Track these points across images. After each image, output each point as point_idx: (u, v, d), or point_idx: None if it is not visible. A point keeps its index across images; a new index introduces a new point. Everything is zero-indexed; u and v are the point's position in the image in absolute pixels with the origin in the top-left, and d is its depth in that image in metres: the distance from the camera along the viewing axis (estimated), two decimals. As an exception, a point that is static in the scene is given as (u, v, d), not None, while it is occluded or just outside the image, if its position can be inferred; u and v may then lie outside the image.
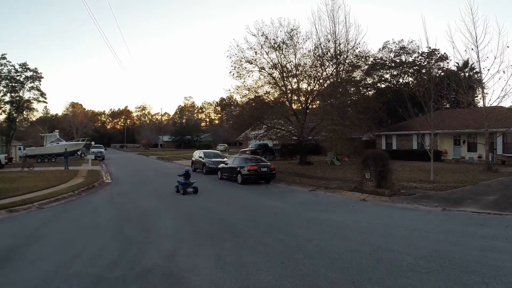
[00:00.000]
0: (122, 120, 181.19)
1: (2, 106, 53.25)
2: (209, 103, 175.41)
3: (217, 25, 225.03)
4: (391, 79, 58.94)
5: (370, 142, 48.86)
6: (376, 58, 52.70)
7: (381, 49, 56.88)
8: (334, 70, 36.91)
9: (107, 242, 11.11)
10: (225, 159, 34.39)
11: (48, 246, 10.74)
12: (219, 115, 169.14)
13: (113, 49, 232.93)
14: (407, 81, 58.90)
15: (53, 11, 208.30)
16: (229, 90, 38.34)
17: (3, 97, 52.85)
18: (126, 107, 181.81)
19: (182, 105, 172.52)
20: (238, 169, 26.39)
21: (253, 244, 10.52)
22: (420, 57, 56.42)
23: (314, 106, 39.90)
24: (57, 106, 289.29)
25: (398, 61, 56.93)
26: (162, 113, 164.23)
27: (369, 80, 54.81)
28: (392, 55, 57.43)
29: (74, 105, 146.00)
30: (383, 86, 58.05)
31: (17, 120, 56.69)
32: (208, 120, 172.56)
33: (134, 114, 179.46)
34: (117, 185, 27.40)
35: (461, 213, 14.90)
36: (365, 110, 35.86)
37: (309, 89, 37.19)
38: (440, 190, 20.25)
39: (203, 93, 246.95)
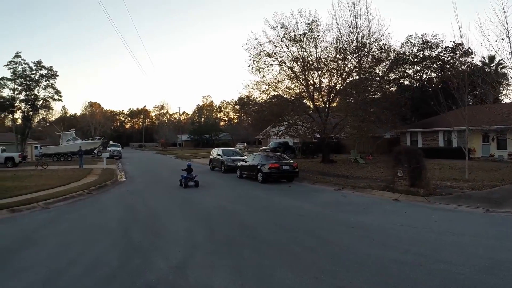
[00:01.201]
0: (140, 119, 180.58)
1: (17, 104, 52.42)
2: (228, 102, 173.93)
3: (235, 23, 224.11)
4: (415, 75, 57.20)
5: (394, 140, 47.14)
6: (399, 53, 50.95)
7: (404, 43, 55.09)
8: (357, 64, 35.16)
9: (109, 247, 9.71)
10: (244, 157, 33.03)
11: (43, 252, 9.40)
12: (237, 114, 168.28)
13: (132, 52, 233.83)
14: (430, 76, 57.17)
15: (69, 13, 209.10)
16: (248, 85, 36.42)
17: (18, 96, 52.03)
18: (145, 106, 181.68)
19: (201, 104, 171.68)
20: (259, 167, 24.91)
21: (278, 252, 9.00)
22: (443, 51, 54.65)
23: (337, 102, 38.14)
24: (75, 106, 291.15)
25: (421, 56, 55.21)
26: (181, 113, 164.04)
27: (392, 76, 53.09)
28: (415, 50, 55.71)
29: (92, 104, 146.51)
30: (406, 82, 56.44)
31: (33, 119, 55.77)
32: (226, 119, 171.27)
33: (153, 114, 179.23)
34: (130, 183, 26.15)
35: (508, 214, 13.28)
36: (390, 105, 34.14)
37: (331, 83, 35.55)
38: (477, 189, 18.58)
39: (222, 92, 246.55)
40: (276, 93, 36.65)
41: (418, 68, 56.33)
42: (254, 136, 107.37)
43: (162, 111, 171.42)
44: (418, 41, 55.40)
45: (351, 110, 32.53)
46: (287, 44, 34.29)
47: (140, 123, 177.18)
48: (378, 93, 37.38)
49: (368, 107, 33.37)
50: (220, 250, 9.27)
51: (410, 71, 56.74)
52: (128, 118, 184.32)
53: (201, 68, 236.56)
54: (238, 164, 29.01)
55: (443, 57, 54.23)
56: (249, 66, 34.86)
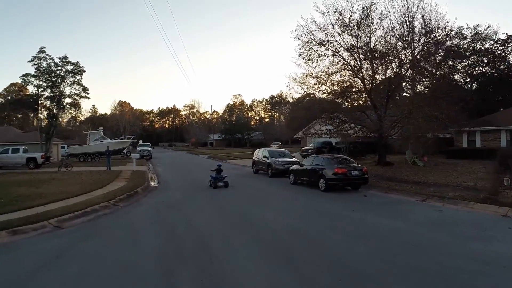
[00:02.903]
0: (170, 119, 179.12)
1: (42, 102, 49.32)
2: (259, 100, 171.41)
3: (265, 22, 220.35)
4: (468, 69, 52.66)
5: (445, 139, 42.87)
6: (451, 45, 46.40)
7: (454, 35, 50.50)
8: (422, 51, 30.55)
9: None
10: (293, 159, 29.19)
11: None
12: (269, 113, 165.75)
13: (179, 61, 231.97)
14: (480, 71, 52.70)
15: (98, 12, 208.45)
16: (295, 79, 31.87)
17: (42, 93, 48.89)
18: (174, 105, 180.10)
19: (231, 103, 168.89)
20: (321, 172, 20.56)
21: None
22: (495, 44, 50.24)
23: (396, 96, 33.58)
24: (105, 106, 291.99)
25: (471, 49, 50.73)
26: (211, 112, 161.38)
27: (441, 71, 48.86)
28: (466, 42, 51.25)
29: (122, 103, 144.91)
30: (455, 77, 52.06)
31: (58, 117, 52.54)
32: (258, 118, 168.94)
33: (183, 113, 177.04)
34: (164, 190, 22.15)
35: None
36: (456, 101, 29.48)
37: (390, 75, 31.03)
38: None
39: (253, 91, 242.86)
40: (326, 88, 32.28)
41: (469, 62, 52.04)
42: (288, 135, 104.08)
43: (192, 110, 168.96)
44: (470, 32, 51.01)
45: (416, 106, 28.03)
46: (340, 32, 30.04)
47: (170, 123, 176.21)
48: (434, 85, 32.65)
49: (436, 102, 28.89)
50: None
51: (459, 66, 52.35)
52: (158, 117, 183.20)
53: (231, 67, 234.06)
54: (291, 168, 24.80)
55: (493, 50, 50.11)
56: (300, 55, 30.61)
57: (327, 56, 30.67)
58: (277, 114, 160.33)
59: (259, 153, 31.70)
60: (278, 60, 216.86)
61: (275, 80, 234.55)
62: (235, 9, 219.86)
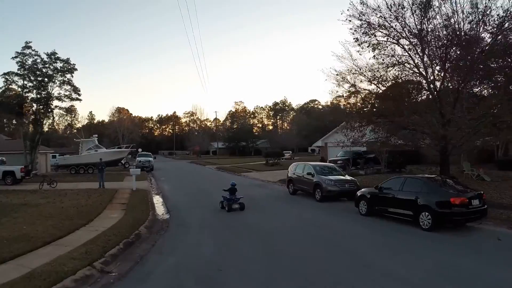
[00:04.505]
0: (170, 126, 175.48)
1: (27, 105, 42.56)
2: (262, 107, 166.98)
3: (264, 28, 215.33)
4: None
5: (486, 148, 35.86)
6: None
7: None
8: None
9: None
10: (347, 177, 22.78)
11: None
12: (272, 120, 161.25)
13: (200, 66, 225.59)
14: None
15: (98, 19, 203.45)
16: (337, 74, 24.96)
17: (27, 94, 42.22)
18: (174, 112, 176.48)
19: (233, 110, 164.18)
20: (421, 201, 13.90)
21: None
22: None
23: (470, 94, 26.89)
24: (103, 113, 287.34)
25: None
26: (213, 119, 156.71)
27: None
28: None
29: (120, 110, 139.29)
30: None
31: (44, 122, 45.56)
32: (260, 125, 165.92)
33: (183, 120, 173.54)
34: (182, 230, 14.71)
35: None
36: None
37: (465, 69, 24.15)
38: None
39: (255, 98, 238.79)
40: (379, 85, 25.55)
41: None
42: (294, 144, 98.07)
43: (193, 117, 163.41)
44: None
45: (507, 106, 21.17)
46: (397, 15, 23.30)
47: (170, 130, 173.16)
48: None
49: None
50: None
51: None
52: (157, 124, 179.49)
53: (233, 74, 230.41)
54: (360, 192, 17.83)
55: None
56: (356, 41, 23.83)
57: (388, 44, 24.14)
58: (280, 121, 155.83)
59: (298, 169, 24.81)
60: (281, 67, 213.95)
61: (278, 87, 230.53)
62: (239, 13, 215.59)
